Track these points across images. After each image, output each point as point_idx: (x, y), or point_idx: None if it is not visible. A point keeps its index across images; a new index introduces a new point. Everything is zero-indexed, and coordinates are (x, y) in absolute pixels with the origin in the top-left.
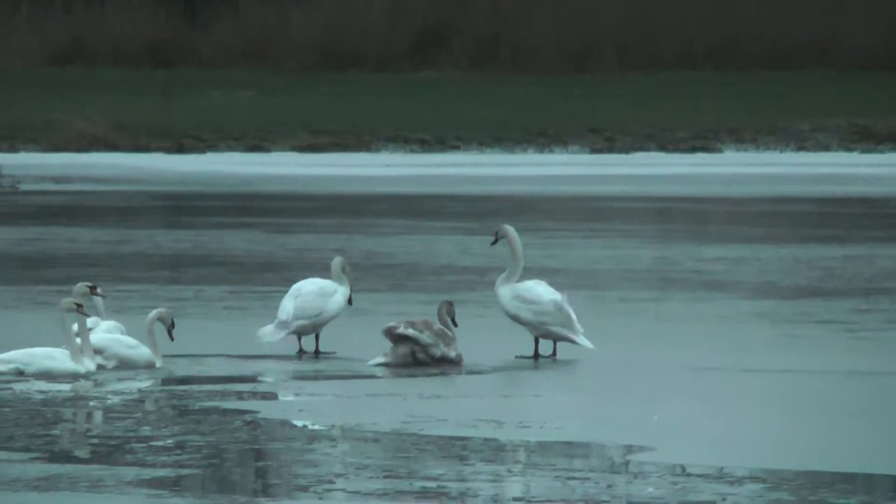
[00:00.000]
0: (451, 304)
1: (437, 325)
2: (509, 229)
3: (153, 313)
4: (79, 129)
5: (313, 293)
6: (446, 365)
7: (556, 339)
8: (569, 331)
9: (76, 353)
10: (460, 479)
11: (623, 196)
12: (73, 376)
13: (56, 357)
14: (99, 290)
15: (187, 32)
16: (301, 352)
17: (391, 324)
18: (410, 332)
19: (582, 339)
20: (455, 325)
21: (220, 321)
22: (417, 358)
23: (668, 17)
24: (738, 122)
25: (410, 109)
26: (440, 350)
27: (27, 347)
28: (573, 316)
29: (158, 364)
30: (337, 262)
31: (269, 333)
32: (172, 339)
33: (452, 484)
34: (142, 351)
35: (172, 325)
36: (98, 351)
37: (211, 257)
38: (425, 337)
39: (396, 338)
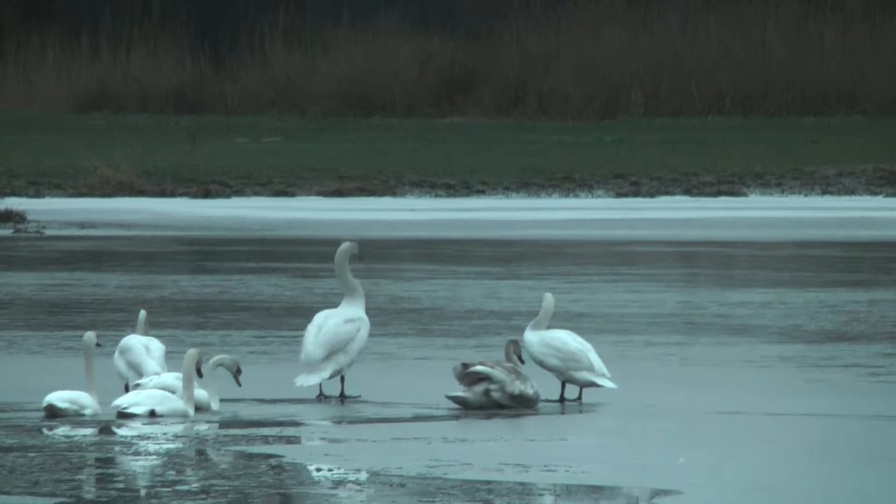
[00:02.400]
0: (517, 342)
1: (508, 364)
2: (548, 297)
3: (216, 358)
4: (104, 174)
5: (339, 323)
6: (524, 404)
7: (580, 385)
8: (592, 375)
9: (185, 392)
10: None
11: (648, 240)
12: (185, 417)
13: (171, 398)
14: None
15: (213, 79)
16: (321, 395)
17: (464, 361)
18: (481, 368)
19: (605, 382)
20: (521, 361)
21: (245, 366)
22: (493, 397)
23: (697, 64)
24: (763, 167)
25: (436, 155)
26: (517, 387)
27: (68, 390)
28: (597, 362)
29: (215, 407)
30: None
31: (305, 378)
32: (240, 385)
33: None
34: (199, 393)
35: (239, 370)
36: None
37: (237, 302)
38: (497, 373)
39: (470, 379)
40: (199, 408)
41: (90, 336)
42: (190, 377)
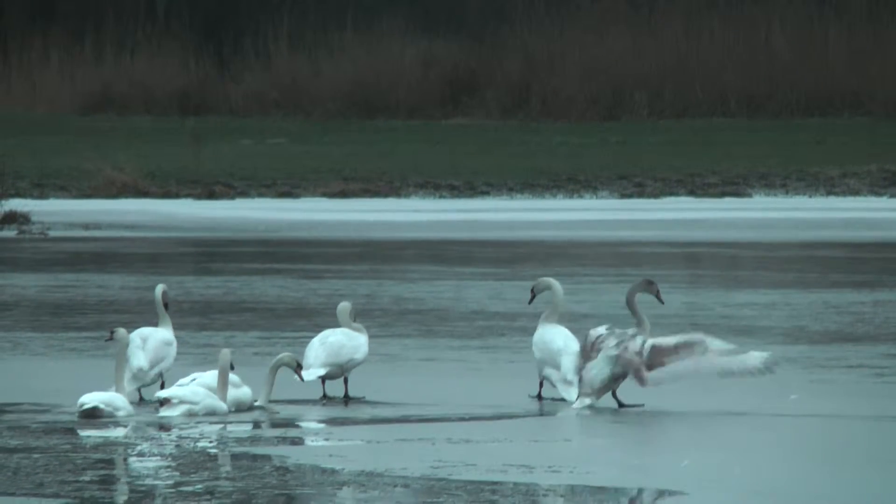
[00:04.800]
0: (651, 282)
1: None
2: (552, 281)
3: (278, 358)
4: (109, 176)
5: (342, 340)
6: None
7: (549, 382)
8: (556, 377)
9: (220, 391)
10: None
11: (652, 241)
12: (224, 415)
13: (212, 396)
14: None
15: (218, 81)
16: (324, 397)
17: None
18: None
19: (566, 390)
20: (661, 302)
21: (249, 367)
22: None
23: (702, 65)
24: (768, 168)
25: (441, 156)
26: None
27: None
28: (566, 366)
29: (261, 402)
30: (344, 307)
31: (303, 373)
32: (302, 380)
33: None
34: (244, 391)
35: (299, 366)
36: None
37: (241, 303)
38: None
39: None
40: (248, 406)
41: (124, 333)
42: (225, 375)
